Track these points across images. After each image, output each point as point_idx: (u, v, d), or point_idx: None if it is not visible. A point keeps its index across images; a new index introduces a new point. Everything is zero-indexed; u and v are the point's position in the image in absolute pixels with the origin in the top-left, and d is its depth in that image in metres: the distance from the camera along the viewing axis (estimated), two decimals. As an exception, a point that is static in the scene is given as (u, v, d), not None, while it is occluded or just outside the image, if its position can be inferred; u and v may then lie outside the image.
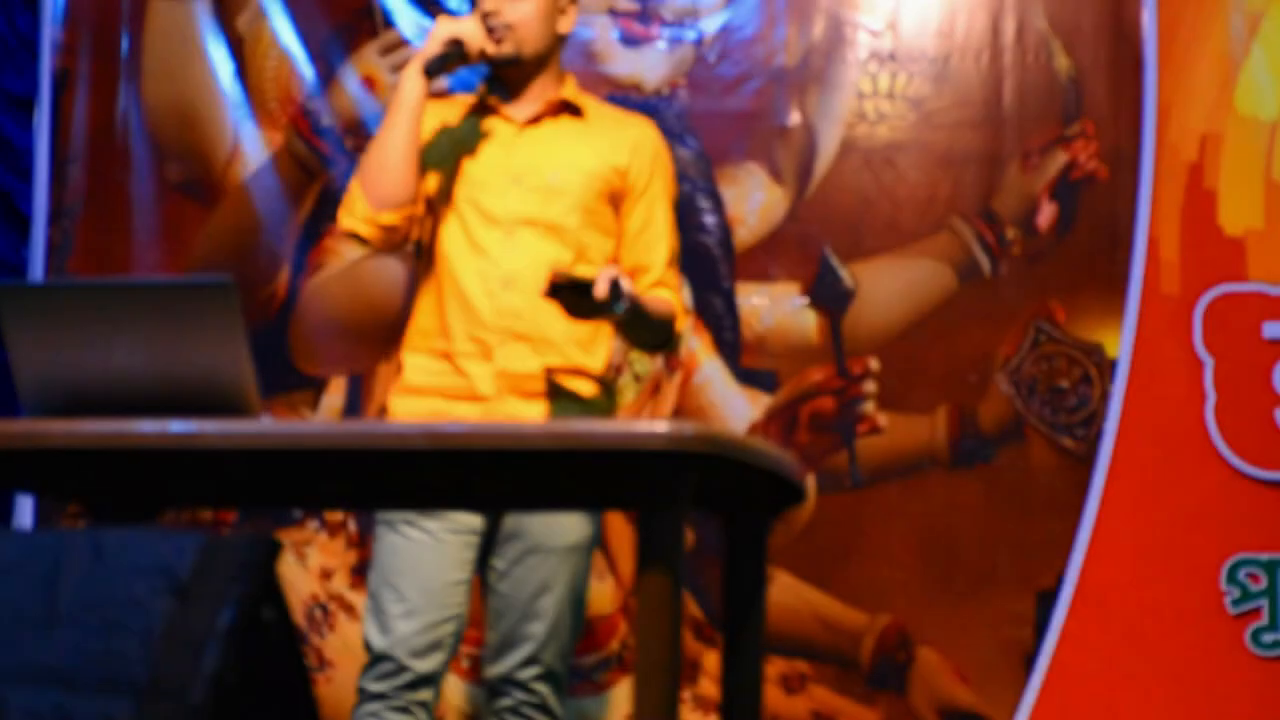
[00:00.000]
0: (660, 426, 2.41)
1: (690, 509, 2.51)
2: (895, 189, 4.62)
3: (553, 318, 3.44)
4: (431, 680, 3.46)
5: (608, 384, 3.55)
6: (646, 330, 3.50)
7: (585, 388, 3.50)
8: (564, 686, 3.53)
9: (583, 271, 3.28)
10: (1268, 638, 4.32)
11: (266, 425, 2.46)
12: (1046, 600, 4.43)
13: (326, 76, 4.85)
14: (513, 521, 3.49)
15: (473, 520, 3.47)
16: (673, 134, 4.70)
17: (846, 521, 4.57)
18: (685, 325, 3.56)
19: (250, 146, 4.86)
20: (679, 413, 4.61)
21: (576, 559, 3.50)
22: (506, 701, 3.50)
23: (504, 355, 3.46)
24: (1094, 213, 4.52)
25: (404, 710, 3.45)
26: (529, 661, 3.48)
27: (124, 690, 1.86)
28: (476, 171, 3.52)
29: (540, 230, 3.49)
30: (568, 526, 3.48)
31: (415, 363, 3.52)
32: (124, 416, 2.46)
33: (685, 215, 4.68)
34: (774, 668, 4.49)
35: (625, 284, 3.27)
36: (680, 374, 4.67)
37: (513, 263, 3.47)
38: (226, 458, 2.50)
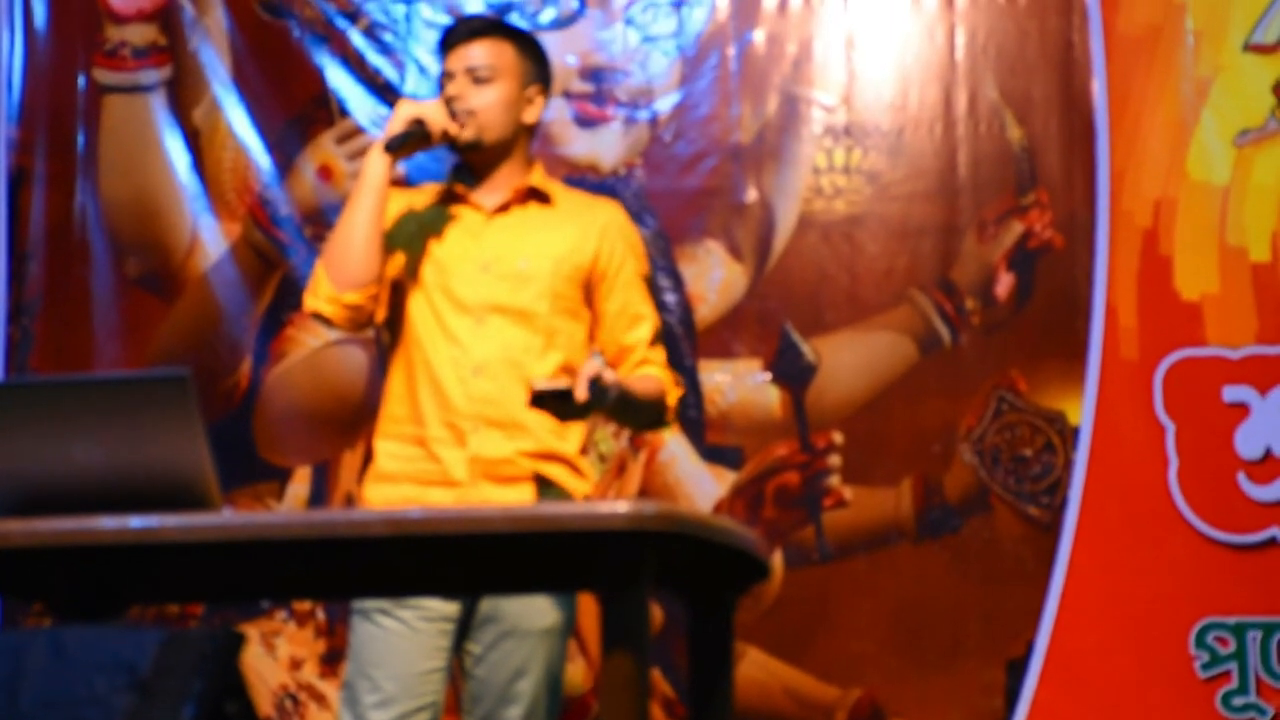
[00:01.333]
0: (621, 507, 2.41)
1: (654, 588, 2.50)
2: (853, 262, 4.64)
3: (524, 402, 3.45)
4: None
5: (582, 468, 3.55)
6: (638, 414, 3.53)
7: (560, 472, 3.50)
8: None
9: (560, 379, 3.31)
10: (1238, 701, 4.32)
11: (227, 518, 2.46)
12: (1017, 669, 4.42)
13: (284, 166, 4.86)
14: (489, 605, 3.49)
15: (447, 607, 3.47)
16: (631, 213, 4.69)
17: (815, 596, 4.57)
18: (677, 399, 3.57)
19: (209, 238, 4.86)
20: (644, 492, 4.61)
21: (553, 642, 3.49)
22: None
23: (477, 441, 3.46)
24: (1051, 281, 4.54)
25: None
26: None
27: (86, 790, 1.85)
28: (445, 258, 3.53)
29: (510, 317, 3.50)
30: (543, 609, 3.48)
31: (387, 449, 3.52)
32: (84, 514, 2.45)
33: (646, 294, 4.69)
34: (747, 745, 4.48)
35: (608, 375, 3.30)
36: (645, 453, 4.67)
37: (483, 350, 3.48)
38: (189, 552, 2.49)
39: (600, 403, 3.30)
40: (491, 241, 3.54)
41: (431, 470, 3.46)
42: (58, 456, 2.46)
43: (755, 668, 4.52)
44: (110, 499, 2.45)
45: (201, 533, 2.42)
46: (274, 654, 4.69)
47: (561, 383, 3.27)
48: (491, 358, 3.48)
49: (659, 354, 3.60)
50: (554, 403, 3.25)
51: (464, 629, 3.51)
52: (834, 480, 4.59)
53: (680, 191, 4.73)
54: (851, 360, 4.63)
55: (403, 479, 3.48)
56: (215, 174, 4.88)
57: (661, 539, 2.42)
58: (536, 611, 3.47)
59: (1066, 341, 4.50)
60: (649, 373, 3.56)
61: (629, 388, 3.43)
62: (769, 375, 4.65)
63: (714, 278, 4.71)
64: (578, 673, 4.63)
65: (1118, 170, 4.49)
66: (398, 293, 3.54)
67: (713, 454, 4.66)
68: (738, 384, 4.67)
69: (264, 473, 4.77)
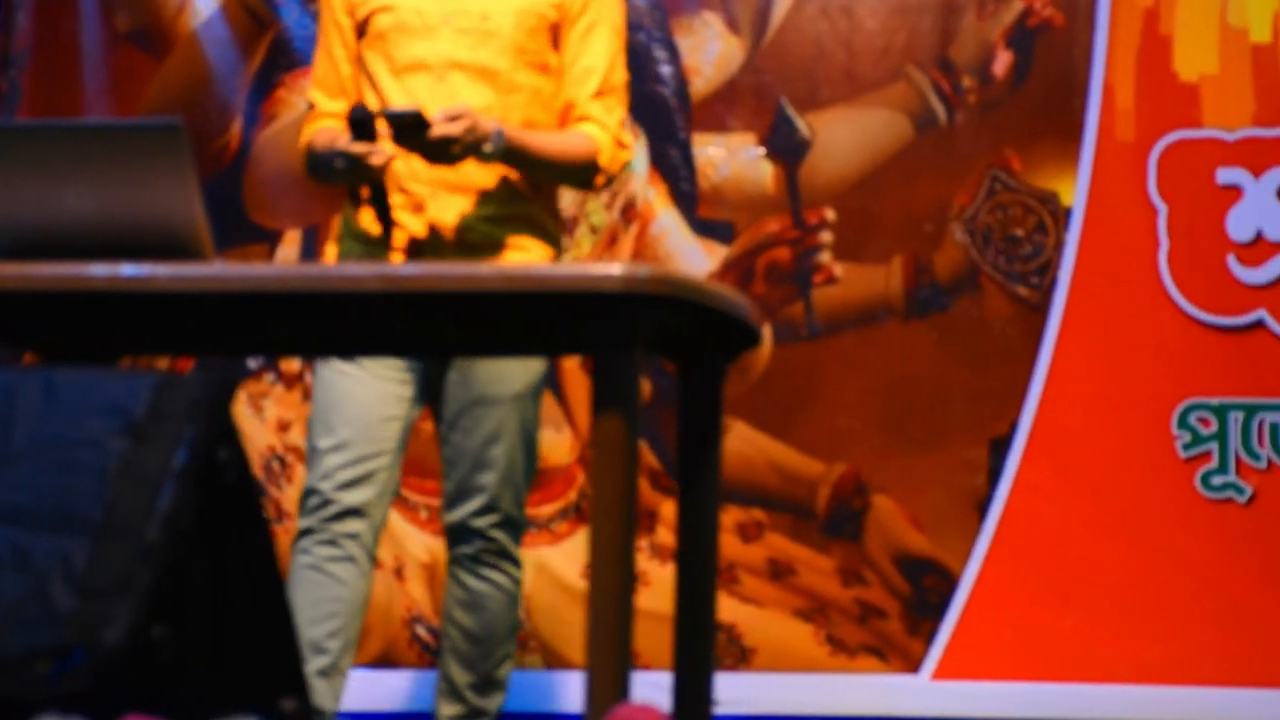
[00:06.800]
0: (615, 269, 2.43)
1: (646, 352, 2.52)
2: (851, 38, 4.60)
3: (488, 169, 3.40)
4: (360, 513, 3.44)
5: (550, 228, 3.51)
6: (546, 172, 3.45)
7: (524, 240, 3.47)
8: (521, 531, 3.55)
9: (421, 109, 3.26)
10: (1217, 480, 4.37)
11: (220, 269, 2.46)
12: (1000, 447, 4.46)
13: (277, -77, 4.79)
14: (459, 371, 3.48)
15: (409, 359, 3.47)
16: (628, -17, 4.67)
17: (802, 371, 4.59)
18: (614, 159, 3.48)
19: (199, -5, 4.81)
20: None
21: (524, 405, 3.49)
22: (466, 549, 3.51)
23: (436, 207, 3.42)
24: (1050, 60, 4.50)
25: (330, 543, 3.44)
26: (485, 510, 3.49)
27: (79, 528, 1.87)
28: (405, 13, 3.45)
29: (471, 74, 3.42)
30: (514, 374, 3.46)
31: (349, 209, 3.49)
32: (76, 261, 2.45)
33: (641, 66, 4.64)
34: (730, 516, 4.52)
35: (484, 124, 3.26)
36: (636, 225, 4.67)
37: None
38: (181, 302, 2.50)
39: (476, 153, 3.27)
40: None
41: (393, 235, 3.42)
42: (50, 202, 2.45)
43: (741, 441, 4.56)
44: (103, 247, 2.45)
45: (194, 283, 2.43)
46: (261, 416, 4.72)
47: (410, 110, 3.22)
48: None
49: (603, 109, 3.48)
50: (411, 136, 3.21)
51: (434, 392, 3.50)
52: (825, 257, 4.59)
53: (678, -38, 4.68)
54: (846, 137, 4.61)
55: (363, 240, 3.44)
56: (207, -71, 4.80)
57: (654, 302, 2.44)
58: (507, 376, 3.46)
59: (1062, 121, 4.47)
60: (583, 129, 3.45)
61: (524, 145, 3.35)
62: (763, 150, 4.63)
63: (710, 51, 4.66)
64: (564, 442, 4.66)
65: (1121, -53, 4.44)
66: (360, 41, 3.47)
67: (704, 228, 4.66)
68: (731, 158, 4.65)
69: (253, 234, 4.75)
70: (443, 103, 3.38)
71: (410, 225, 3.42)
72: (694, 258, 4.64)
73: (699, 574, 2.74)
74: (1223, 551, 4.34)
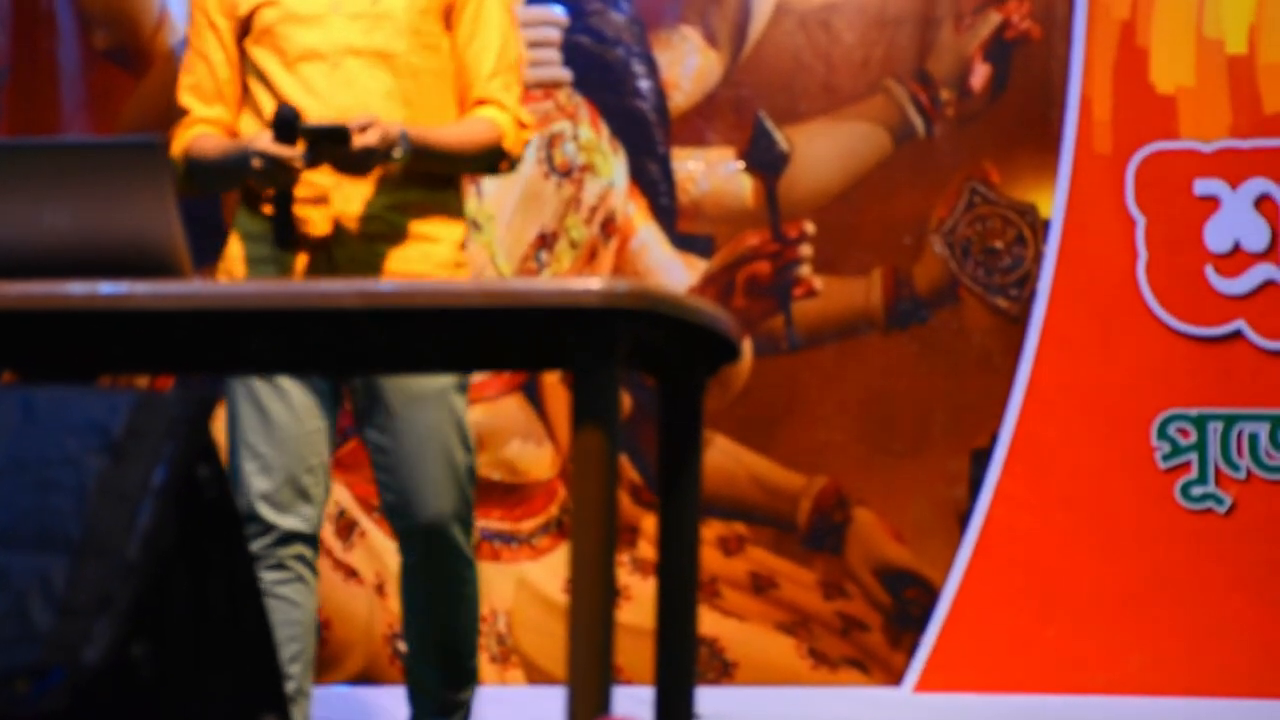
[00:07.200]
0: (594, 283, 2.42)
1: (625, 367, 2.52)
2: (830, 51, 4.62)
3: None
4: (303, 536, 3.40)
5: (454, 209, 3.46)
6: (454, 164, 3.41)
7: (431, 228, 3.42)
8: (470, 526, 3.48)
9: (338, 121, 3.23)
10: (1197, 490, 4.38)
11: (198, 286, 2.46)
12: (981, 459, 4.47)
13: (255, -59, 4.79)
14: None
15: None
16: (606, -2, 4.68)
17: (783, 384, 4.60)
18: (517, 141, 3.43)
19: (178, 12, 4.80)
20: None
21: (453, 399, 3.42)
22: (420, 556, 3.45)
23: (341, 198, 3.36)
24: (1027, 73, 4.52)
25: (278, 566, 3.39)
26: (431, 511, 3.40)
27: (58, 547, 1.86)
28: (292, 4, 3.38)
29: (368, 59, 3.37)
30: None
31: (246, 203, 3.43)
32: (54, 279, 2.44)
33: (620, 80, 4.66)
34: (712, 530, 4.53)
35: (392, 131, 3.23)
36: (616, 240, 4.67)
37: (342, 98, 3.34)
38: (159, 320, 2.49)
39: (385, 159, 3.24)
40: None
41: (296, 236, 3.36)
42: (28, 221, 2.44)
43: (722, 455, 4.56)
44: (81, 265, 2.44)
45: (172, 300, 2.42)
46: (243, 433, 4.71)
47: (330, 122, 3.20)
48: (351, 107, 3.32)
49: (505, 89, 3.44)
50: (330, 149, 3.19)
51: (357, 395, 3.43)
52: (804, 270, 4.60)
53: (656, -24, 4.69)
54: (825, 150, 4.62)
55: (263, 239, 3.39)
56: (185, -53, 4.81)
57: (634, 316, 2.43)
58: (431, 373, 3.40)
59: (1040, 134, 4.49)
60: (484, 114, 3.41)
61: (427, 142, 3.32)
62: (742, 164, 4.65)
63: (689, 65, 4.68)
64: (545, 457, 4.66)
65: (1097, -40, 4.46)
66: (242, 49, 3.42)
67: (684, 242, 4.67)
68: (710, 172, 4.66)
69: (233, 252, 4.75)
70: (339, 91, 3.35)
71: (313, 218, 3.35)
72: (674, 272, 4.65)
73: (680, 588, 2.74)
74: (1203, 562, 4.35)
